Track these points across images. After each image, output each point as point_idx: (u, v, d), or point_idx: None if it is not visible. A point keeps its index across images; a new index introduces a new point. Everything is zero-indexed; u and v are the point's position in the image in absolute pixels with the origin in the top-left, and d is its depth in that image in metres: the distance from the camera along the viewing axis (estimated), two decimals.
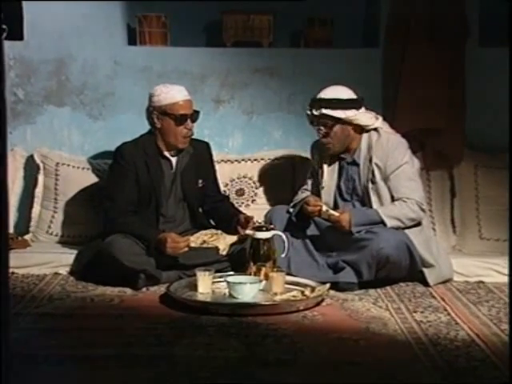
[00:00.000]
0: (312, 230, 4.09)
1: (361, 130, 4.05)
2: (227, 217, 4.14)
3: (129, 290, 3.81)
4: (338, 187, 4.11)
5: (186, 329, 3.22)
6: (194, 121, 4.06)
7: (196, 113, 4.08)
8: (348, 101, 3.98)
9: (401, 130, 4.19)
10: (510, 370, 2.78)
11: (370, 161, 4.01)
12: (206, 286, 3.64)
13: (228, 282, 3.60)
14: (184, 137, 4.03)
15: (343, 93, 3.99)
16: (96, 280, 3.93)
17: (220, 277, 3.76)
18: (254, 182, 4.69)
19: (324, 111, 3.96)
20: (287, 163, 4.70)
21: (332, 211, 3.94)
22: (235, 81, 4.82)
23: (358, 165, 4.06)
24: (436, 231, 4.51)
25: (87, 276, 4.00)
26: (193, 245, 3.90)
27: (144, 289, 3.84)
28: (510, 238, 4.26)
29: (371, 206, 4.00)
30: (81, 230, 4.52)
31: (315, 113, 3.98)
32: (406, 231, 3.93)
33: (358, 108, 4.00)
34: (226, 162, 4.71)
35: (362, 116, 4.01)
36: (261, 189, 4.68)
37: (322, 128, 4.00)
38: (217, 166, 4.38)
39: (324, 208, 3.94)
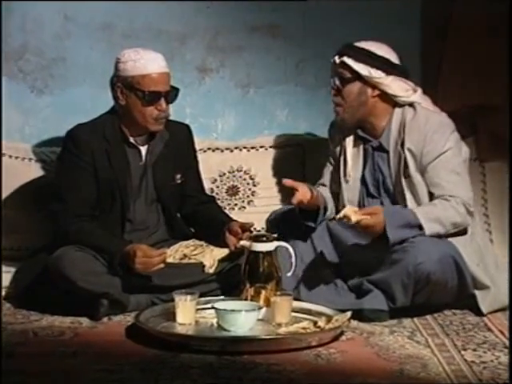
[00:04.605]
0: (328, 241, 4.11)
1: (393, 102, 4.06)
2: (212, 224, 4.14)
3: (85, 321, 3.82)
4: (363, 180, 4.11)
5: (162, 371, 3.21)
6: (169, 102, 4.05)
7: (174, 90, 4.06)
8: (380, 58, 3.98)
9: (445, 108, 4.20)
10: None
11: (402, 146, 4.01)
12: (188, 314, 3.64)
13: (216, 310, 3.60)
14: (155, 119, 4.04)
15: (381, 49, 4.02)
16: (41, 307, 3.93)
17: (206, 302, 3.77)
18: (250, 177, 4.71)
19: (345, 59, 4.00)
20: (295, 152, 4.72)
21: (358, 214, 3.79)
22: (226, 43, 4.84)
23: (387, 151, 4.07)
24: (493, 241, 4.53)
25: (29, 302, 4.00)
26: (170, 260, 3.91)
27: (105, 318, 3.85)
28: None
29: (405, 206, 3.99)
30: (20, 240, 4.52)
31: (336, 60, 4.03)
32: (452, 240, 3.93)
33: (389, 73, 4.00)
34: (213, 150, 4.73)
35: (392, 82, 4.01)
36: (260, 186, 4.70)
37: (336, 80, 4.03)
38: (201, 156, 4.39)
39: (347, 211, 3.83)
